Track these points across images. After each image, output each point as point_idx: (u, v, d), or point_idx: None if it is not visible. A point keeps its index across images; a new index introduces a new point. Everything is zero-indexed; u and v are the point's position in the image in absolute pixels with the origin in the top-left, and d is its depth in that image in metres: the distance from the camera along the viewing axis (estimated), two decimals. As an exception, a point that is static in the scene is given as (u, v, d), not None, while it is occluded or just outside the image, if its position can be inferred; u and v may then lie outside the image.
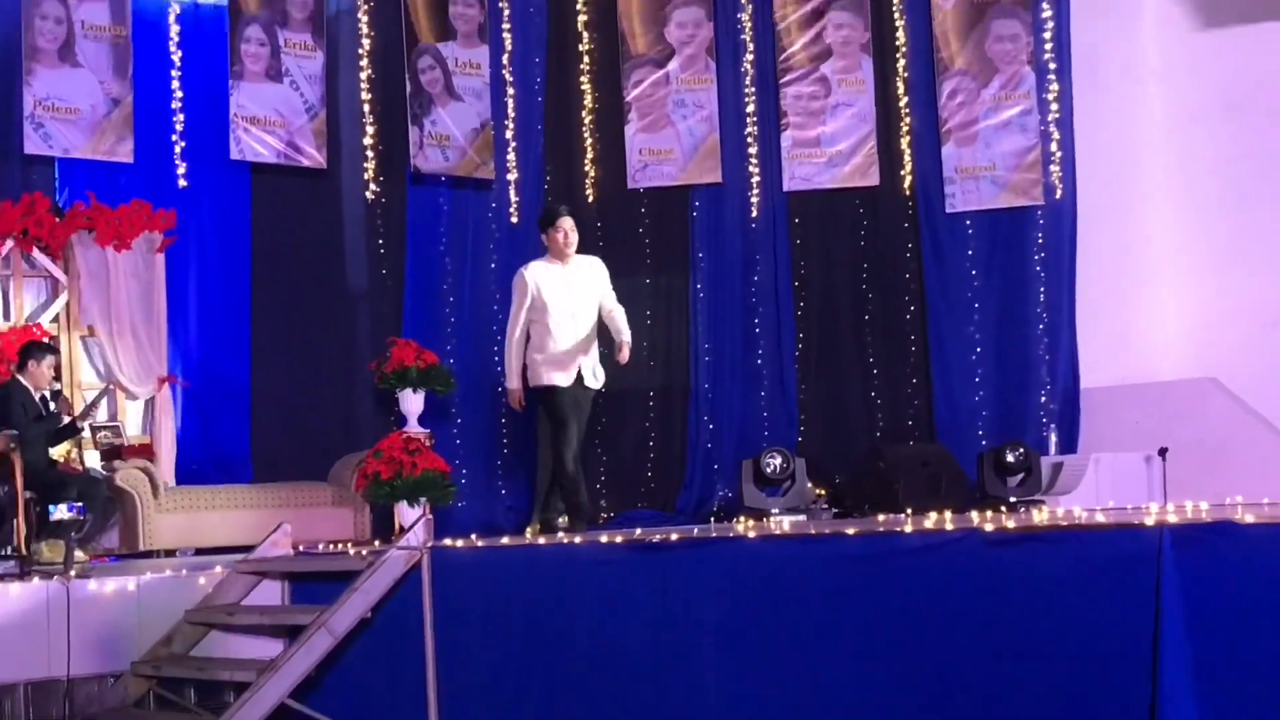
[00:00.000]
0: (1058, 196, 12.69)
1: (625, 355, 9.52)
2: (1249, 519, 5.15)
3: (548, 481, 9.84)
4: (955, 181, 12.74)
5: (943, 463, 11.69)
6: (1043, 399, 12.71)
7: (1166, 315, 13.18)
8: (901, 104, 12.87)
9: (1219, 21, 12.95)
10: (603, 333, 9.58)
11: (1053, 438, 12.63)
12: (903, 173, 12.85)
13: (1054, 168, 12.69)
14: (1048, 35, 12.76)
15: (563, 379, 9.30)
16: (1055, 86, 12.74)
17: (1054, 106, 12.73)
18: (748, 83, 12.93)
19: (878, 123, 12.80)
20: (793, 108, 12.86)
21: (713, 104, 12.79)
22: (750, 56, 12.95)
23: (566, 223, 9.42)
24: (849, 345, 12.96)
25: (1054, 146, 12.70)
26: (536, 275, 9.39)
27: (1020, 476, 11.47)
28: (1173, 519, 5.34)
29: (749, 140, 12.92)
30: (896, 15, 12.87)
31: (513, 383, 9.53)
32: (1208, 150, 13.02)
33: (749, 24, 12.95)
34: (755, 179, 12.91)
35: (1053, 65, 12.76)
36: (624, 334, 9.49)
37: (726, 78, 12.87)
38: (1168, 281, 13.21)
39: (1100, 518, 5.99)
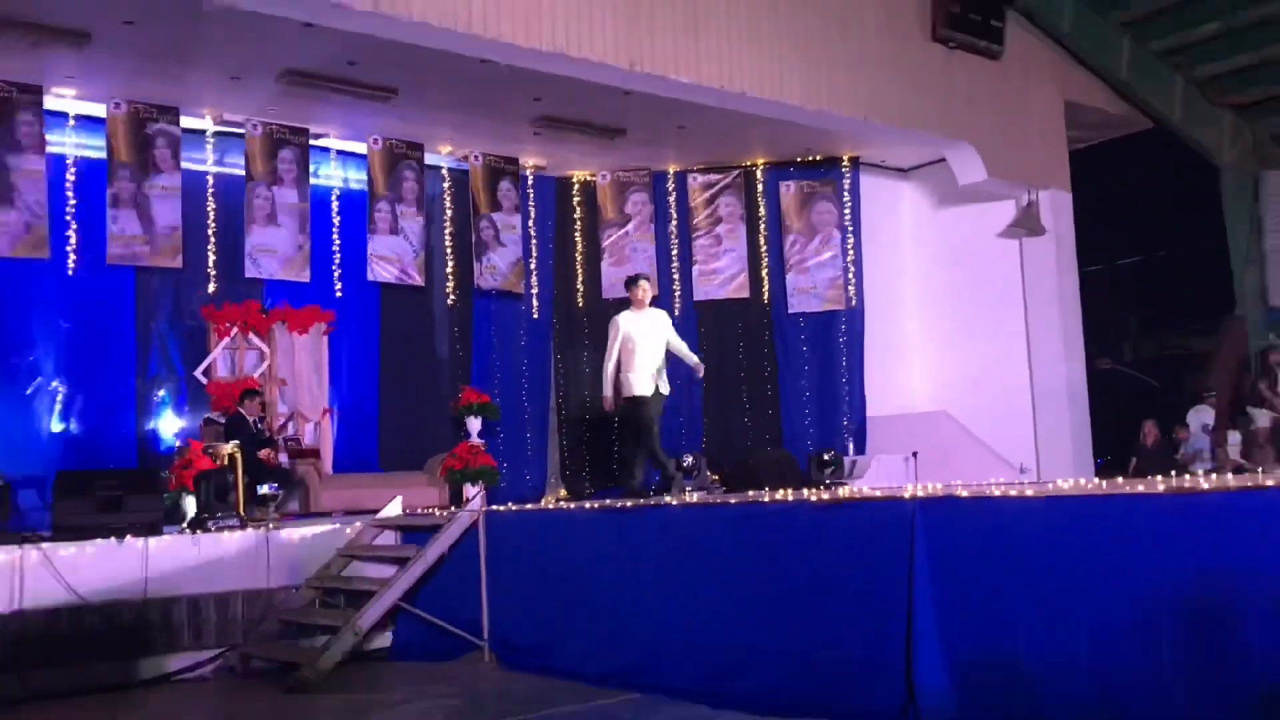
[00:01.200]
0: (853, 305, 12.76)
1: (701, 370, 8.75)
2: (964, 494, 5.21)
3: (637, 464, 8.61)
4: (794, 295, 12.78)
5: (787, 462, 11.68)
6: (845, 423, 12.72)
7: (916, 374, 13.31)
8: (762, 250, 12.90)
9: (948, 203, 13.15)
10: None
11: (851, 446, 12.63)
12: (763, 290, 12.86)
13: (850, 288, 12.75)
14: (847, 211, 12.83)
15: (646, 390, 8.39)
16: (852, 240, 12.83)
17: (850, 252, 12.81)
18: (673, 238, 12.95)
19: (749, 261, 12.85)
20: (699, 252, 12.90)
21: (652, 249, 12.81)
22: (674, 222, 12.96)
23: (646, 283, 8.59)
24: (732, 393, 12.93)
25: (850, 276, 12.77)
26: (624, 319, 8.48)
27: (832, 469, 11.47)
28: (921, 495, 5.38)
29: (674, 271, 12.93)
30: (760, 198, 12.94)
31: (608, 391, 8.44)
32: (942, 280, 13.21)
33: (674, 203, 12.98)
34: (677, 294, 12.90)
35: (850, 228, 12.84)
36: (693, 357, 8.63)
37: (661, 234, 12.89)
38: (916, 354, 13.34)
39: (878, 493, 6.03)
